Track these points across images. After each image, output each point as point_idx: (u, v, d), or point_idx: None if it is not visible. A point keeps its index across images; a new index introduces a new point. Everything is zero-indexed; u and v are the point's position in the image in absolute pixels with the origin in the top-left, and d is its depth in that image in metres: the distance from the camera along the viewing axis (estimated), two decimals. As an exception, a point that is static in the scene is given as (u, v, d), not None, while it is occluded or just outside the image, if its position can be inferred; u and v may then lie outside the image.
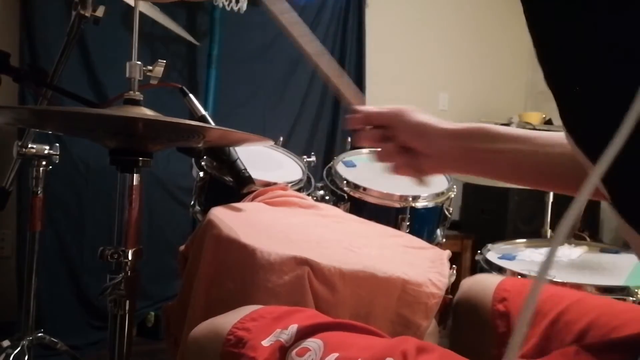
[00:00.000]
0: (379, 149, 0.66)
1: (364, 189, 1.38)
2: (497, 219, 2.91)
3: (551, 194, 1.56)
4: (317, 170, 1.63)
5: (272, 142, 1.08)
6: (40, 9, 2.01)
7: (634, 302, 0.99)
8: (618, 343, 0.51)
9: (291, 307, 0.64)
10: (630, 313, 0.62)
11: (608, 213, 2.86)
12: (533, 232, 1.95)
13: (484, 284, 0.77)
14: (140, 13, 1.06)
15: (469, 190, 3.04)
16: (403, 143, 0.64)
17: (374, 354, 0.50)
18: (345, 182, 1.41)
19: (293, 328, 0.56)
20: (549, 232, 1.55)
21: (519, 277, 1.10)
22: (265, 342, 0.55)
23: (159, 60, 0.96)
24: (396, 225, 1.33)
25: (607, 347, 0.51)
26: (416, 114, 0.64)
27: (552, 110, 3.24)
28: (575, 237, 1.81)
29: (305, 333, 0.55)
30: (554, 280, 1.06)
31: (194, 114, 1.10)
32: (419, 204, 1.37)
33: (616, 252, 1.32)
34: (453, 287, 0.87)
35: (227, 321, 0.61)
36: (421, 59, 3.24)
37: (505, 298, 0.72)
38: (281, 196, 1.17)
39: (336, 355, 0.50)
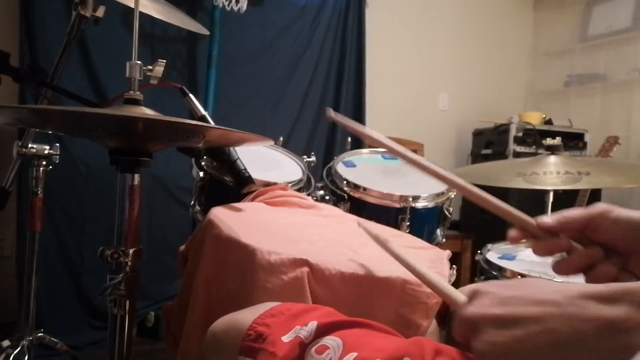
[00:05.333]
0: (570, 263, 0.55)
1: (364, 189, 1.38)
2: (497, 219, 2.86)
3: (551, 194, 1.52)
4: (317, 170, 1.63)
5: (272, 142, 1.08)
6: (40, 9, 2.00)
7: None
8: None
9: (309, 304, 0.65)
10: None
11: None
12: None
13: None
14: (141, 13, 1.06)
15: (469, 190, 3.03)
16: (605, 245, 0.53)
17: (391, 353, 0.51)
18: (345, 182, 1.41)
19: (312, 325, 0.57)
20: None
21: (519, 277, 1.10)
22: (285, 338, 0.56)
23: (159, 60, 0.95)
24: (396, 225, 1.33)
25: None
26: (617, 210, 0.52)
27: (552, 110, 3.26)
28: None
29: (324, 330, 0.56)
30: (554, 280, 1.06)
31: (194, 114, 1.10)
32: (419, 204, 1.36)
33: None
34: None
35: (246, 317, 0.61)
36: (421, 59, 3.24)
37: None
38: (281, 196, 1.17)
39: (354, 354, 0.51)
